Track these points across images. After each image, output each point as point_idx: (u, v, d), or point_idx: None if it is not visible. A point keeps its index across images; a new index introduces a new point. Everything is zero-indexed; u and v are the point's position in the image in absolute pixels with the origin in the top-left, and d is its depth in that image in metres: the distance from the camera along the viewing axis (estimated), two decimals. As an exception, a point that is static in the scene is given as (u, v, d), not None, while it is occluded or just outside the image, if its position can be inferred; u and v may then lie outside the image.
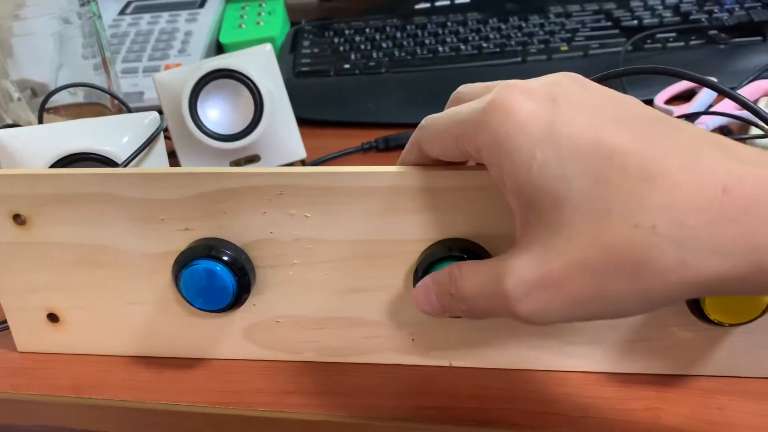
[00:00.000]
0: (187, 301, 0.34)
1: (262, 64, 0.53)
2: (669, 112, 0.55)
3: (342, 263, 0.34)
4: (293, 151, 0.54)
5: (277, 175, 0.32)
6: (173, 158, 0.53)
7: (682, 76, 0.38)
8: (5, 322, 0.38)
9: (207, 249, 0.33)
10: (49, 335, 0.38)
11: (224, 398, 0.35)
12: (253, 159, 0.53)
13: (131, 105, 0.66)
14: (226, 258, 0.33)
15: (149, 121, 0.42)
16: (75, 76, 0.61)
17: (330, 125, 0.62)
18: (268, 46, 0.53)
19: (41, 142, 0.41)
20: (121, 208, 0.34)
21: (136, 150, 0.40)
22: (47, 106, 0.52)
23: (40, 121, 0.51)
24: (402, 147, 0.60)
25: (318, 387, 0.35)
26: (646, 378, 0.34)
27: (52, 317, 0.38)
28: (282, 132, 0.53)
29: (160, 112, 0.53)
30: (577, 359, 0.34)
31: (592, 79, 0.40)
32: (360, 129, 0.61)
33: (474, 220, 0.32)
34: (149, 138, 0.41)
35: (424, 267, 0.32)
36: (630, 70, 0.40)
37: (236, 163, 0.53)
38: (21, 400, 0.36)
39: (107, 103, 0.60)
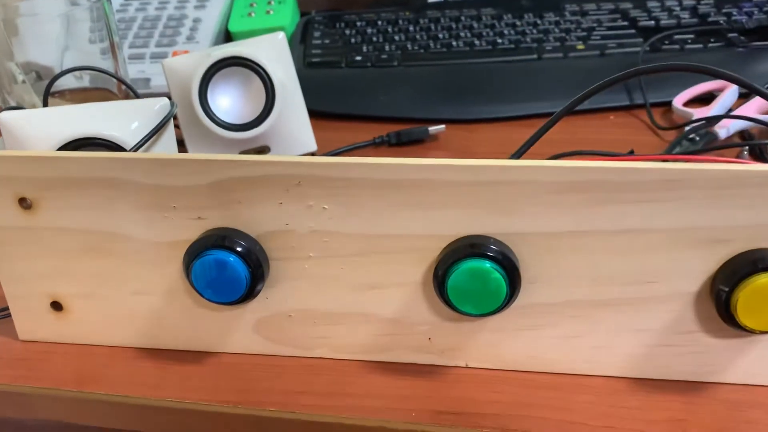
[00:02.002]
0: (198, 293, 0.32)
1: (274, 52, 0.51)
2: (689, 115, 0.54)
3: (359, 258, 0.32)
4: (304, 143, 0.53)
5: (295, 165, 0.31)
6: (181, 146, 0.51)
7: (711, 74, 0.37)
8: (6, 309, 0.37)
9: (220, 239, 0.32)
10: (52, 324, 0.37)
11: (232, 397, 0.33)
12: (262, 150, 0.52)
13: (138, 91, 0.64)
14: (239, 249, 0.32)
15: (159, 107, 0.41)
16: (81, 60, 0.59)
17: (340, 118, 0.60)
18: (281, 34, 0.52)
19: (47, 126, 0.39)
20: (131, 194, 0.33)
21: (146, 136, 0.39)
22: (52, 89, 0.51)
23: (45, 105, 0.50)
24: (414, 142, 0.60)
25: (330, 387, 0.34)
26: (670, 386, 0.33)
27: (56, 305, 0.36)
28: (293, 123, 0.52)
29: (169, 99, 0.52)
30: (599, 363, 0.33)
31: (618, 78, 0.39)
32: (371, 123, 0.59)
33: (499, 217, 0.30)
34: (159, 124, 0.40)
35: (445, 266, 0.30)
36: (657, 68, 0.39)
37: (245, 153, 0.52)
38: (21, 392, 0.35)
39: (114, 88, 0.59)
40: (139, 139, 0.39)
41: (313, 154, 0.54)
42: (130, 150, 0.38)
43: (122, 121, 0.40)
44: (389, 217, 0.31)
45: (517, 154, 0.40)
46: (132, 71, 0.65)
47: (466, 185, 0.30)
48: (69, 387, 0.34)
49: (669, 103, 0.57)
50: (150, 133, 0.39)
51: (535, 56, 0.63)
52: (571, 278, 0.31)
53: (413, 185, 0.30)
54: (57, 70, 0.59)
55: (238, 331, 0.35)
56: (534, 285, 0.32)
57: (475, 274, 0.30)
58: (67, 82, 0.59)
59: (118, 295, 0.35)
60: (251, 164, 0.31)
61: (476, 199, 0.30)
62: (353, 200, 0.31)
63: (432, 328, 0.34)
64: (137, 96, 0.50)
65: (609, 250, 0.30)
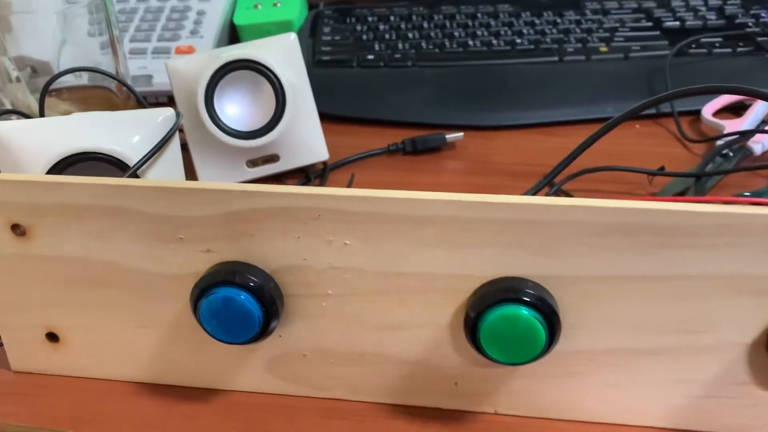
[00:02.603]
0: (207, 332, 0.30)
1: (285, 55, 0.48)
2: (720, 127, 0.51)
3: (381, 296, 0.30)
4: (315, 152, 0.50)
5: (316, 197, 0.28)
6: (185, 151, 0.49)
7: (752, 95, 0.35)
8: (-2, 338, 0.34)
9: (230, 275, 0.29)
10: (47, 355, 0.34)
11: (242, 441, 0.31)
12: (271, 159, 0.49)
13: (139, 89, 0.61)
14: (251, 285, 0.29)
15: (163, 118, 0.38)
16: (79, 55, 0.56)
17: (352, 121, 0.58)
18: (293, 36, 0.49)
19: (44, 139, 0.37)
20: (134, 224, 0.30)
21: (150, 152, 0.36)
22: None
23: (41, 107, 0.47)
24: (431, 150, 0.57)
25: (348, 432, 0.31)
26: (715, 438, 0.30)
27: (52, 336, 0.34)
28: (304, 130, 0.49)
29: (171, 100, 0.49)
30: (639, 414, 0.31)
31: (653, 101, 0.37)
32: (384, 127, 0.57)
33: (537, 258, 0.28)
34: (164, 138, 0.37)
35: (477, 310, 0.28)
36: (699, 90, 0.36)
37: (253, 162, 0.49)
38: (13, 432, 0.32)
39: (113, 87, 0.55)
40: (142, 154, 0.36)
41: (324, 163, 0.51)
42: (133, 167, 0.36)
43: (124, 133, 0.38)
44: (415, 255, 0.29)
45: (553, 173, 0.38)
46: (133, 67, 0.62)
47: (501, 223, 0.27)
48: (64, 428, 0.32)
49: (697, 112, 0.54)
50: (154, 148, 0.37)
51: (556, 58, 0.60)
52: (613, 325, 0.29)
53: (442, 222, 0.28)
54: (54, 65, 0.56)
55: (249, 368, 0.33)
56: (573, 331, 0.29)
57: (512, 320, 0.27)
58: (65, 80, 0.56)
59: (119, 328, 0.33)
60: (267, 195, 0.28)
61: (512, 239, 0.28)
62: (376, 236, 0.28)
63: (459, 372, 0.31)
64: (137, 97, 0.48)
65: (656, 296, 0.28)
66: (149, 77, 0.62)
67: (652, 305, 0.28)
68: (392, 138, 0.54)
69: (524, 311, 0.27)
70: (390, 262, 0.29)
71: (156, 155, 0.37)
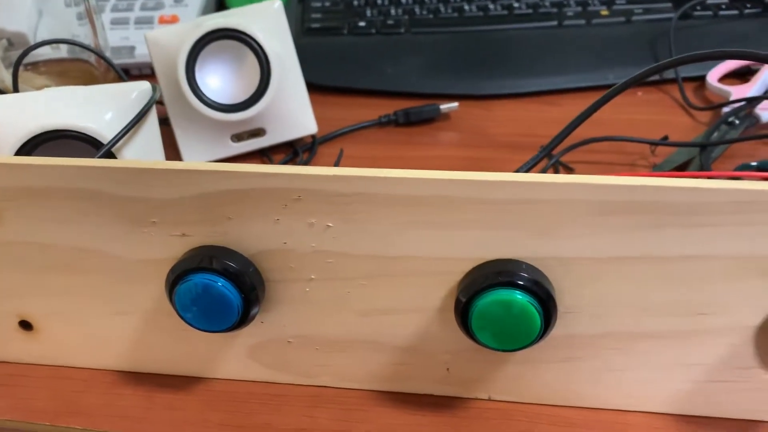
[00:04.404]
0: (184, 320, 0.28)
1: (270, 24, 0.46)
2: (726, 94, 0.49)
3: (368, 280, 0.28)
4: (303, 125, 0.48)
5: (295, 177, 0.26)
6: (166, 125, 0.47)
7: (761, 60, 0.33)
8: (-30, 327, 0.33)
9: (207, 260, 0.28)
10: (21, 344, 0.33)
11: (226, 432, 0.30)
12: (257, 132, 0.47)
13: (122, 61, 0.59)
14: (230, 270, 0.28)
15: (138, 93, 0.36)
16: (56, 27, 0.54)
17: (342, 92, 0.55)
18: (278, 3, 0.47)
19: (15, 116, 0.35)
20: (104, 207, 0.28)
21: (123, 129, 0.34)
22: (25, 61, 0.46)
23: (15, 81, 0.44)
24: (425, 122, 0.55)
25: (336, 422, 0.30)
26: (721, 423, 0.29)
27: (25, 324, 0.32)
28: (291, 103, 0.47)
29: (154, 74, 0.47)
30: (641, 399, 0.29)
31: (657, 67, 0.35)
32: (376, 98, 0.54)
33: (532, 239, 0.26)
34: (138, 115, 0.35)
35: (468, 294, 0.26)
36: (698, 56, 0.34)
37: (238, 136, 0.47)
38: (-13, 424, 0.31)
39: (92, 59, 0.53)
40: (117, 131, 0.34)
41: (313, 136, 0.49)
42: (106, 145, 0.34)
43: (97, 110, 0.36)
44: (403, 237, 0.27)
45: (552, 145, 0.36)
46: (115, 38, 0.60)
47: (493, 203, 0.25)
48: (42, 420, 0.30)
49: (702, 78, 0.52)
50: (128, 125, 0.35)
51: (555, 23, 0.58)
52: (615, 308, 0.27)
53: (432, 202, 0.26)
54: (30, 37, 0.54)
55: (231, 355, 0.31)
56: (571, 314, 0.27)
57: (505, 305, 0.26)
58: (41, 52, 0.54)
59: (95, 315, 0.31)
60: (243, 176, 0.26)
61: (505, 219, 0.26)
62: (361, 218, 0.27)
63: (451, 358, 0.30)
64: (117, 71, 0.46)
65: (659, 278, 0.26)
66: (132, 48, 0.59)
67: (654, 287, 0.26)
68: (384, 109, 0.52)
69: (518, 295, 0.26)
70: (376, 245, 0.27)
71: (132, 132, 0.35)
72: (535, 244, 0.26)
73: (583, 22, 0.58)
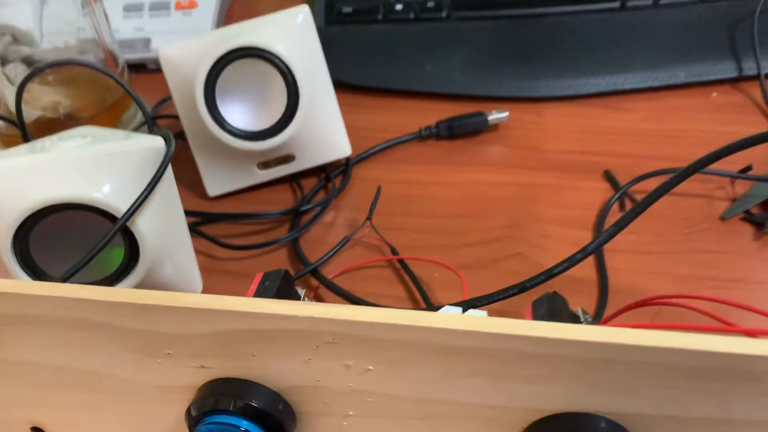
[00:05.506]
0: (206, 463, 0.25)
1: (296, 36, 0.41)
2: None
3: (414, 420, 0.24)
4: (336, 148, 0.43)
5: (321, 321, 0.22)
6: (183, 139, 0.43)
7: None
8: (-19, 428, 0.30)
9: (227, 401, 0.24)
10: (35, 449, 0.30)
11: None
12: (286, 159, 0.43)
13: (136, 56, 0.54)
14: (255, 408, 0.24)
15: (150, 152, 0.32)
16: (60, 20, 0.49)
17: (374, 92, 0.50)
18: (305, 10, 0.41)
19: (17, 187, 0.31)
20: (112, 338, 0.25)
21: (135, 202, 0.31)
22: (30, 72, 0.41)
23: (18, 106, 0.40)
24: (470, 135, 0.49)
25: None
26: None
27: (38, 431, 0.30)
28: (322, 124, 0.42)
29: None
30: None
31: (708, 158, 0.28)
32: (413, 99, 0.49)
33: (611, 395, 0.22)
34: (151, 182, 0.31)
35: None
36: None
37: (265, 164, 0.43)
38: None
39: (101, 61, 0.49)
40: (128, 197, 0.31)
41: (347, 159, 0.44)
42: (121, 218, 0.30)
43: (105, 174, 0.32)
44: (453, 384, 0.23)
45: (595, 246, 0.30)
46: (128, 29, 0.55)
47: (561, 360, 0.21)
48: None
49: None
50: (142, 195, 0.31)
51: (617, 5, 0.51)
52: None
53: (486, 354, 0.22)
54: (35, 32, 0.50)
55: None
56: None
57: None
58: (45, 48, 0.50)
59: (111, 428, 0.28)
60: (263, 317, 0.22)
61: (578, 376, 0.22)
62: (405, 363, 0.23)
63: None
64: (126, 88, 0.41)
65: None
66: (147, 41, 0.54)
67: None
68: (424, 114, 0.47)
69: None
70: (422, 390, 0.23)
71: (148, 198, 0.31)
72: (615, 400, 0.22)
73: (649, 3, 0.51)
